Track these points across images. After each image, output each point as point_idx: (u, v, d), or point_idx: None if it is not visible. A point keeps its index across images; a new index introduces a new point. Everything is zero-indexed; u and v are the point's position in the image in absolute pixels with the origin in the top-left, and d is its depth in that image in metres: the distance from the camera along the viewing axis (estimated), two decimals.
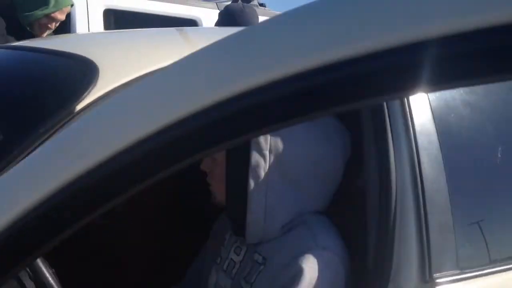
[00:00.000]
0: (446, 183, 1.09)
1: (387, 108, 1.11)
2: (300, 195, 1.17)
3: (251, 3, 2.41)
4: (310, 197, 1.18)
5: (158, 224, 1.62)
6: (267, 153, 1.13)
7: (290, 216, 1.17)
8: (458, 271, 1.08)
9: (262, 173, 1.13)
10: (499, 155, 1.18)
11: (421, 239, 1.05)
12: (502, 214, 1.18)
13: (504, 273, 1.11)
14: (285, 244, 1.15)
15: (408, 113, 1.10)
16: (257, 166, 1.13)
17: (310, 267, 1.07)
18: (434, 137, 1.11)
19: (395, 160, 1.09)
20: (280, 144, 1.14)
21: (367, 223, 1.11)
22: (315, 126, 1.17)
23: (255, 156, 1.13)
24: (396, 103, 1.11)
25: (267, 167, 1.13)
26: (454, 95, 1.19)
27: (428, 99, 1.14)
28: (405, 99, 1.11)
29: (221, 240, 1.35)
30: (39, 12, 2.48)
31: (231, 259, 1.26)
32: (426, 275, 1.04)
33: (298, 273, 1.06)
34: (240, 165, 1.16)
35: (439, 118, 1.13)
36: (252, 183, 1.14)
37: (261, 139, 1.13)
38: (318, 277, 1.07)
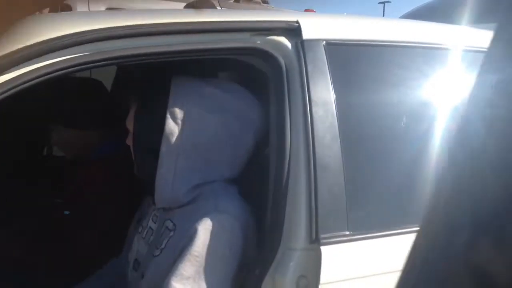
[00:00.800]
0: (340, 150, 1.15)
1: (287, 80, 1.18)
2: (210, 163, 1.24)
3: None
4: (219, 165, 1.26)
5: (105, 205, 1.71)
6: (180, 122, 1.21)
7: (198, 181, 1.24)
8: (347, 233, 1.13)
9: (175, 140, 1.21)
10: (395, 127, 1.24)
11: (310, 201, 1.11)
12: (393, 182, 1.23)
13: (390, 237, 1.16)
14: (192, 211, 1.22)
15: (306, 85, 1.17)
16: (171, 133, 1.21)
17: (205, 228, 1.14)
18: (331, 106, 1.18)
19: (290, 128, 1.15)
20: (194, 115, 1.22)
21: (267, 188, 1.18)
22: (217, 102, 1.25)
23: (169, 124, 1.21)
24: (296, 75, 1.18)
25: (180, 135, 1.21)
26: (357, 71, 1.26)
27: (329, 74, 1.20)
28: (304, 72, 1.18)
29: (144, 210, 1.43)
30: None
31: (150, 227, 1.34)
32: (313, 235, 1.10)
33: (193, 234, 1.14)
34: (153, 131, 1.24)
35: (338, 92, 1.20)
36: (164, 149, 1.22)
37: (177, 108, 1.21)
38: (213, 237, 1.13)
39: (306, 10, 2.99)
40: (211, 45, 1.18)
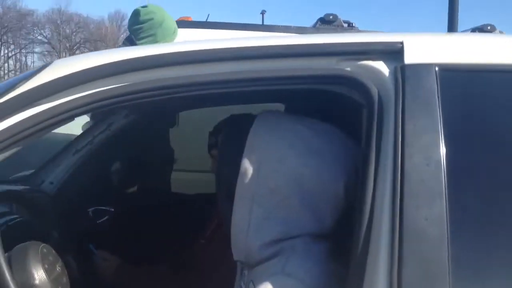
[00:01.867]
0: (445, 212, 0.83)
1: (378, 116, 0.92)
2: (291, 214, 1.03)
3: (334, 23, 2.26)
4: (302, 216, 1.03)
5: None
6: (257, 160, 1.03)
7: (277, 235, 1.03)
8: None
9: (249, 182, 1.04)
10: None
11: (391, 281, 0.82)
12: None
13: None
14: (264, 272, 1.03)
15: (401, 121, 0.89)
16: (245, 172, 1.04)
17: None
18: (434, 152, 0.87)
19: (375, 178, 0.88)
20: (274, 153, 1.03)
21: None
22: (302, 141, 1.05)
23: (245, 162, 1.04)
24: (390, 109, 0.91)
25: (256, 176, 1.03)
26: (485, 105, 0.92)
27: (439, 108, 0.90)
28: (400, 105, 0.90)
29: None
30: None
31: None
32: None
33: None
34: (232, 170, 1.08)
35: (449, 133, 0.88)
36: (238, 192, 1.05)
37: (255, 143, 1.04)
38: None
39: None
40: (286, 73, 0.98)
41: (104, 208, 2.05)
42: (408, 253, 0.82)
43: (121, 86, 0.96)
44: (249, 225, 1.03)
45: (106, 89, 0.95)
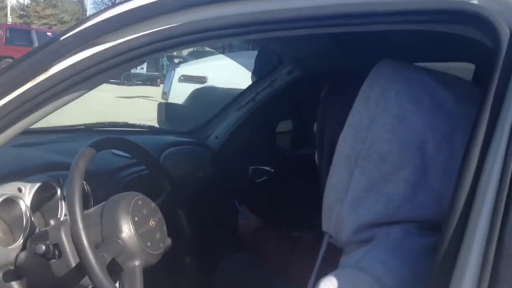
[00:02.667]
0: None
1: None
2: (399, 190, 0.77)
3: None
4: (415, 196, 0.76)
5: None
6: (370, 114, 0.79)
7: (374, 217, 0.79)
8: None
9: (356, 140, 0.80)
10: None
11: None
12: None
13: None
14: (346, 259, 0.82)
15: None
16: (353, 127, 0.81)
17: (328, 285, 0.72)
18: None
19: (488, 142, 0.58)
20: (393, 109, 0.78)
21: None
22: (430, 96, 0.78)
23: (354, 114, 0.81)
24: None
25: (365, 134, 0.79)
26: None
27: None
28: None
29: None
30: None
31: None
32: None
33: None
34: (335, 126, 0.87)
35: None
36: (339, 149, 0.83)
37: (371, 95, 0.80)
38: None
39: None
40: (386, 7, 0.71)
41: (264, 168, 1.99)
42: (508, 254, 0.52)
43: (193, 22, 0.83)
44: (346, 194, 0.80)
45: (174, 26, 0.83)
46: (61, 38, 0.87)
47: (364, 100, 0.80)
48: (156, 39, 0.82)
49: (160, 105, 4.46)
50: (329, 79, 0.97)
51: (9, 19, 30.79)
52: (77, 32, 0.85)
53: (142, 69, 17.66)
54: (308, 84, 2.01)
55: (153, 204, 1.13)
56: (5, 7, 32.91)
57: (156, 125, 4.39)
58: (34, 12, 37.23)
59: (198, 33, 0.82)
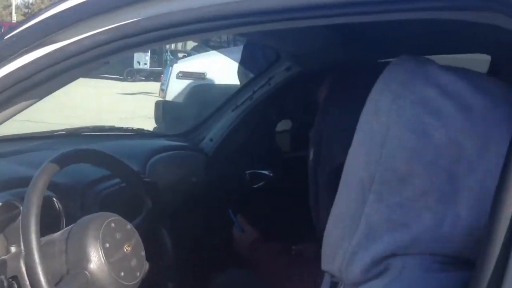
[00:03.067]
0: None
1: None
2: (417, 216, 0.62)
3: None
4: (439, 221, 0.61)
5: None
6: (381, 136, 0.63)
7: (391, 248, 0.63)
8: None
9: (367, 157, 0.64)
10: None
11: None
12: None
13: None
14: None
15: None
16: (363, 141, 0.65)
17: None
18: None
19: None
20: (412, 117, 0.62)
21: None
22: (456, 99, 0.62)
23: (363, 130, 0.66)
24: None
25: (379, 149, 0.63)
26: None
27: None
28: None
29: None
30: None
31: None
32: None
33: None
34: (340, 138, 0.71)
35: None
36: (347, 171, 0.67)
37: (383, 98, 0.64)
38: None
39: None
40: None
41: (262, 172, 1.84)
42: None
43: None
44: (357, 227, 0.65)
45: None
46: (5, 38, 0.72)
47: (374, 110, 0.64)
48: (117, 36, 0.67)
49: (157, 103, 4.31)
50: (328, 80, 0.82)
51: (14, 18, 30.71)
52: (22, 30, 0.71)
53: (145, 64, 17.55)
54: (309, 80, 1.86)
55: (129, 226, 0.98)
56: (10, 5, 32.82)
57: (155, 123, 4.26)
58: (39, 10, 37.15)
59: (173, 27, 0.67)
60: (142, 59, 17.21)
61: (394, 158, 0.62)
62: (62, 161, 0.94)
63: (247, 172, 1.83)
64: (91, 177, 1.24)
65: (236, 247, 1.50)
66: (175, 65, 4.51)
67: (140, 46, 0.70)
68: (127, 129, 1.76)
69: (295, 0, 0.63)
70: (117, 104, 9.72)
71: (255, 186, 1.83)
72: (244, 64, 2.81)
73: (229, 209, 1.51)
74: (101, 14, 0.66)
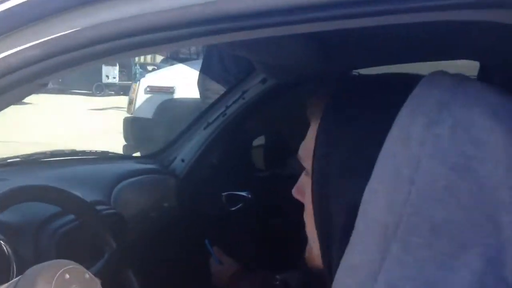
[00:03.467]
0: None
1: None
2: (452, 280, 0.49)
3: None
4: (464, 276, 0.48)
5: None
6: (411, 170, 0.50)
7: None
8: None
9: (393, 202, 0.50)
10: None
11: None
12: None
13: None
14: None
15: None
16: (383, 182, 0.51)
17: None
18: None
19: None
20: (444, 158, 0.49)
21: None
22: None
23: (385, 162, 0.52)
24: None
25: (407, 194, 0.49)
26: None
27: None
28: None
29: None
30: None
31: None
32: None
33: None
34: (353, 173, 0.57)
35: None
36: (366, 218, 0.53)
37: (411, 135, 0.50)
38: None
39: None
40: None
41: (240, 193, 1.70)
42: None
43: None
44: (375, 280, 0.51)
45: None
46: None
47: (403, 137, 0.51)
48: (51, 52, 0.53)
49: (126, 119, 4.13)
50: (324, 93, 0.68)
51: None
52: None
53: (114, 78, 17.27)
54: (287, 93, 1.74)
55: (87, 275, 0.83)
56: None
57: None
58: None
59: (124, 37, 0.53)
60: (111, 73, 16.93)
61: (426, 200, 0.48)
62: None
63: (223, 194, 1.70)
64: (45, 213, 1.08)
65: (214, 282, 1.36)
66: (142, 79, 4.34)
67: (83, 62, 0.56)
68: (90, 152, 1.61)
69: (270, 1, 0.50)
70: (88, 120, 9.48)
71: (232, 209, 1.69)
72: (213, 77, 2.69)
73: (206, 239, 1.37)
74: (30, 25, 0.52)
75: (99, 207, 1.15)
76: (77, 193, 1.21)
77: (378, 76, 0.64)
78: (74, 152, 1.60)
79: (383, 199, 0.50)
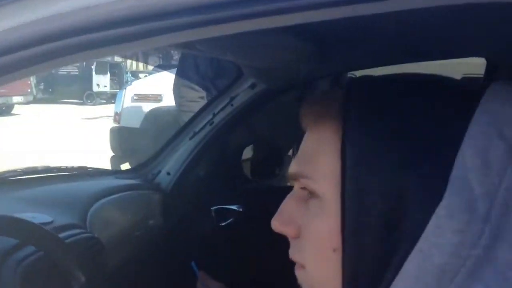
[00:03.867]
0: None
1: None
2: None
3: None
4: None
5: None
6: (486, 205, 0.39)
7: None
8: None
9: (463, 245, 0.39)
10: None
11: None
12: None
13: None
14: None
15: None
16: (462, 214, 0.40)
17: None
18: None
19: None
20: None
21: None
22: None
23: (456, 189, 0.40)
24: None
25: (480, 236, 0.39)
26: None
27: None
28: None
29: None
30: None
31: None
32: None
33: None
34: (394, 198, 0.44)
35: None
36: (410, 269, 0.42)
37: (492, 162, 0.39)
38: None
39: None
40: None
41: (230, 207, 1.59)
42: None
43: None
44: None
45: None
46: None
47: (480, 163, 0.39)
48: None
49: (112, 129, 3.99)
50: (337, 97, 0.55)
51: None
52: None
53: (105, 86, 17.13)
54: (278, 98, 1.63)
55: None
56: None
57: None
58: None
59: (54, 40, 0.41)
60: (102, 81, 16.80)
61: (502, 242, 0.37)
62: None
63: (212, 208, 1.58)
64: (7, 243, 0.95)
65: None
66: (128, 87, 4.19)
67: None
68: (65, 169, 1.48)
69: None
70: (79, 130, 9.36)
71: (222, 224, 1.57)
72: (188, 84, 2.56)
73: (192, 262, 1.25)
74: None
75: (70, 232, 1.03)
76: (49, 216, 1.09)
77: (400, 76, 0.51)
78: (48, 169, 1.47)
79: (449, 239, 0.39)
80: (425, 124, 0.43)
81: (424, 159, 0.42)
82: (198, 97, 2.59)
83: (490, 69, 1.25)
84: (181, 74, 2.61)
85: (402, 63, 1.21)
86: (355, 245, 0.45)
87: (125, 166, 3.02)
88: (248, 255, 1.45)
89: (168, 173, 1.61)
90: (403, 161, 0.43)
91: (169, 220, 1.54)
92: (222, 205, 1.58)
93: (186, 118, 2.53)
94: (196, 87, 2.52)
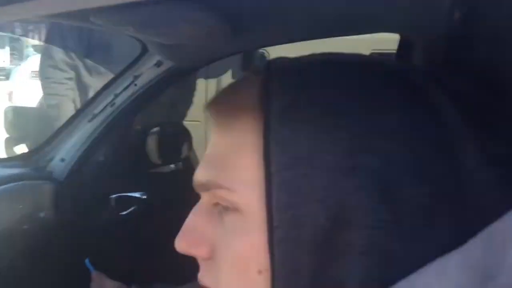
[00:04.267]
0: None
1: None
2: None
3: None
4: None
5: None
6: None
7: None
8: None
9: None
10: None
11: None
12: None
13: None
14: None
15: None
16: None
17: None
18: None
19: None
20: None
21: None
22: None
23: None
24: None
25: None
26: None
27: None
28: None
29: None
30: None
31: None
32: None
33: None
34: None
35: None
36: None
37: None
38: None
39: None
40: None
41: (132, 194, 1.47)
42: None
43: None
44: None
45: None
46: None
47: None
48: None
49: (6, 109, 3.64)
50: (269, 82, 0.45)
51: None
52: None
53: (3, 61, 15.89)
54: (187, 76, 1.51)
55: None
56: None
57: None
58: None
59: None
60: (1, 56, 15.58)
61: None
62: None
63: (111, 196, 1.45)
64: None
65: None
66: (22, 64, 3.83)
67: None
68: None
69: None
70: None
71: (123, 213, 1.45)
72: (55, 63, 2.29)
73: (87, 259, 1.12)
74: None
75: None
76: None
77: (323, 57, 0.43)
78: None
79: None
80: (367, 111, 0.35)
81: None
82: (64, 78, 2.32)
83: (403, 45, 1.23)
84: (47, 53, 2.32)
85: (316, 38, 1.15)
86: (287, 264, 0.37)
87: (21, 148, 2.75)
88: (151, 248, 1.34)
89: (62, 160, 1.44)
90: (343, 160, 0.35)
91: (63, 212, 1.38)
92: (123, 192, 1.45)
93: (52, 102, 2.29)
94: (64, 67, 2.25)
